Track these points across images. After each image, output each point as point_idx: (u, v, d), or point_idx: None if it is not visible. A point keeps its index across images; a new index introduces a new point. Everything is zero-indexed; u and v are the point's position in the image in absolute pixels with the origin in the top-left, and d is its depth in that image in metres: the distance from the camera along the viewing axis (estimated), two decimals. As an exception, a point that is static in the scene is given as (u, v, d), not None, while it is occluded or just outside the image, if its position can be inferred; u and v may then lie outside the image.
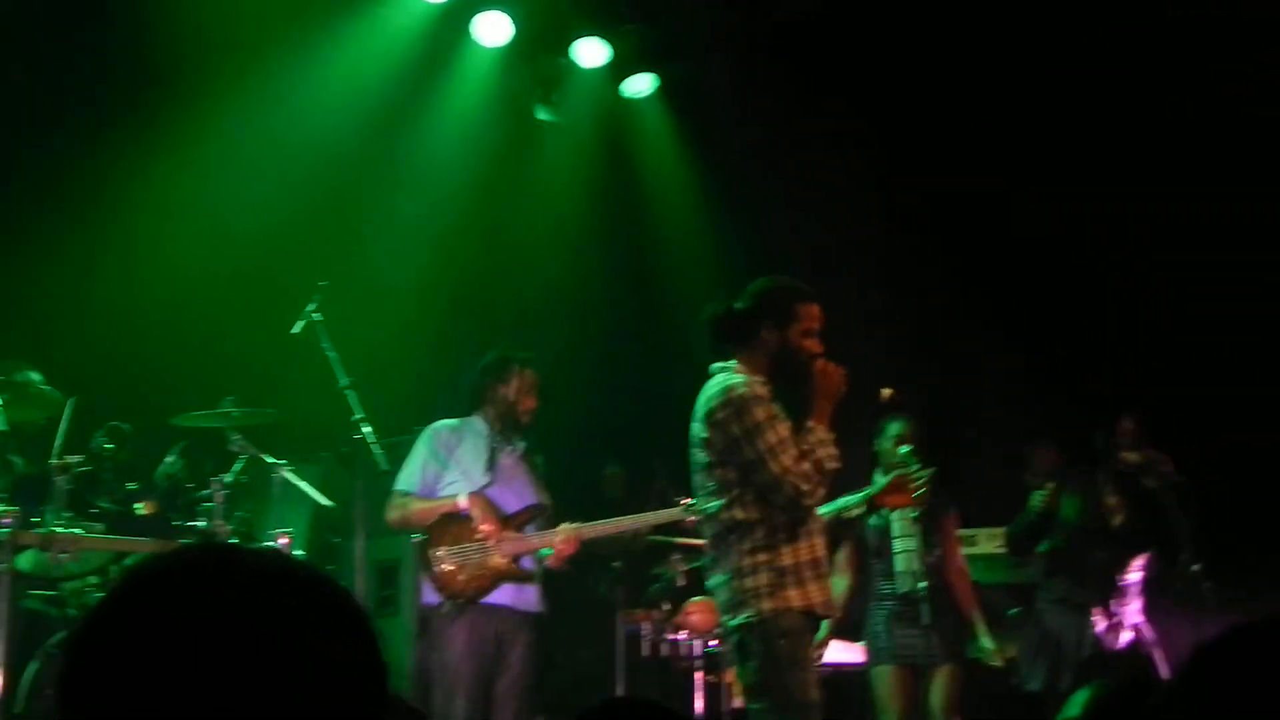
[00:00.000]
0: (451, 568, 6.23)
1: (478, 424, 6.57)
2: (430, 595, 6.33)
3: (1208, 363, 8.16)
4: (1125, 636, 6.77)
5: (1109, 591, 6.84)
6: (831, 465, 4.99)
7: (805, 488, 4.91)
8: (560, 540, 6.35)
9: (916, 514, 6.74)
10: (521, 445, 6.64)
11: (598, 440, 9.19)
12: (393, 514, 6.43)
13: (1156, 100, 8.20)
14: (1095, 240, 8.72)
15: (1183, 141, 8.08)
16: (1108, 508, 6.95)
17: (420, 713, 3.21)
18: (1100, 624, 6.77)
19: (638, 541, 7.14)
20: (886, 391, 5.34)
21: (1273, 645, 1.44)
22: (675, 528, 6.94)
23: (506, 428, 6.60)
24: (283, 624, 1.31)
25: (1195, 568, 6.57)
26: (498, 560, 6.30)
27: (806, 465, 4.93)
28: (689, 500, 6.32)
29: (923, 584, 6.62)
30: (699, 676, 7.59)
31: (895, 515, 6.67)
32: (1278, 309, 7.89)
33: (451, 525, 6.31)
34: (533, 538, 6.41)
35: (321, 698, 1.29)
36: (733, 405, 5.01)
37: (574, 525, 6.42)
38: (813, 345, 5.13)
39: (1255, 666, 1.43)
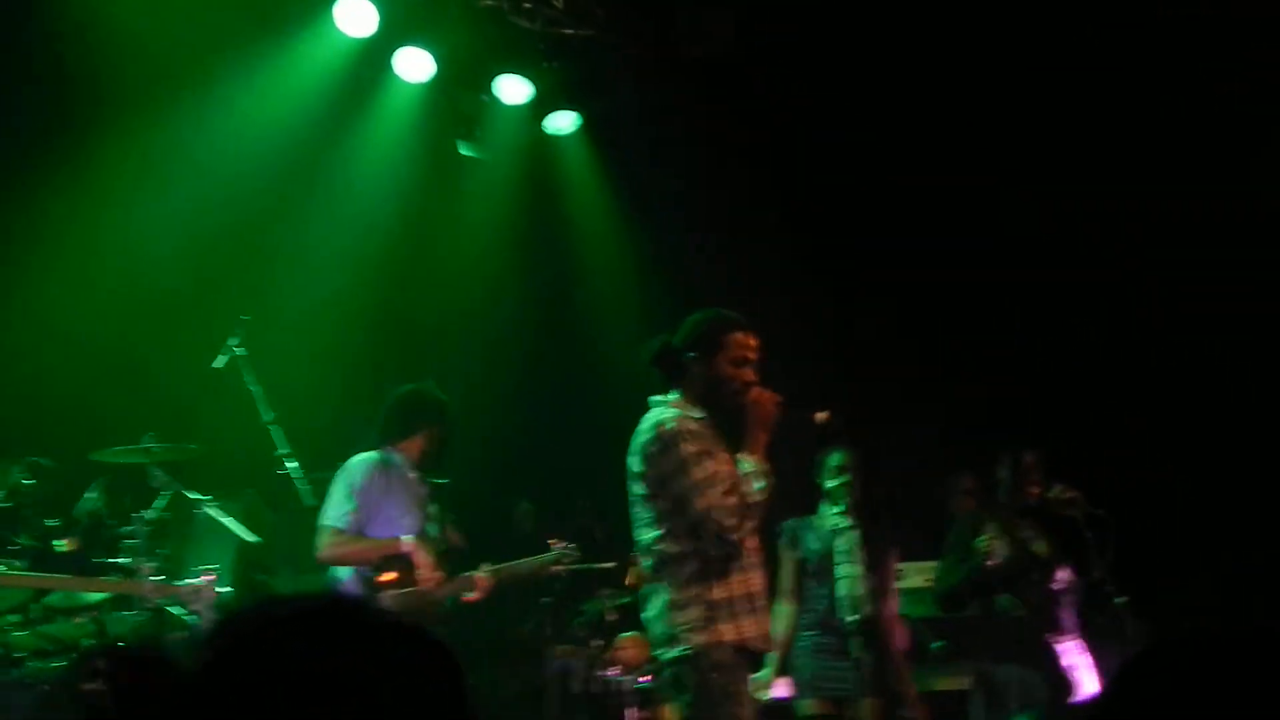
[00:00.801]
0: (398, 611, 6.24)
1: (398, 459, 6.56)
2: None
3: (1104, 398, 8.39)
4: (1085, 656, 6.86)
5: (1057, 620, 6.91)
6: (756, 499, 5.01)
7: (729, 523, 4.93)
8: (480, 581, 6.50)
9: (861, 539, 6.81)
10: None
11: (514, 474, 9.24)
12: (328, 552, 6.37)
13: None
14: (993, 284, 8.94)
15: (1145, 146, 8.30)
16: (1024, 540, 7.06)
17: None
18: (1065, 650, 6.84)
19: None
20: (822, 415, 5.33)
21: (1192, 661, 1.46)
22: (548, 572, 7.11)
23: (427, 466, 6.65)
24: (393, 677, 1.38)
25: (1120, 600, 6.64)
26: (434, 602, 6.36)
27: (732, 500, 4.96)
28: (561, 544, 6.78)
29: (853, 616, 6.63)
30: (631, 713, 7.60)
31: (840, 540, 6.73)
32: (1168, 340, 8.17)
33: (394, 566, 6.32)
34: (460, 579, 6.49)
35: None
36: (661, 441, 5.04)
37: (492, 567, 6.57)
38: (743, 374, 5.15)
39: (1177, 680, 1.45)
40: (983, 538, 6.90)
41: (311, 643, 1.39)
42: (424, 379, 6.99)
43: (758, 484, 5.03)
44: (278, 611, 1.45)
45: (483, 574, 6.52)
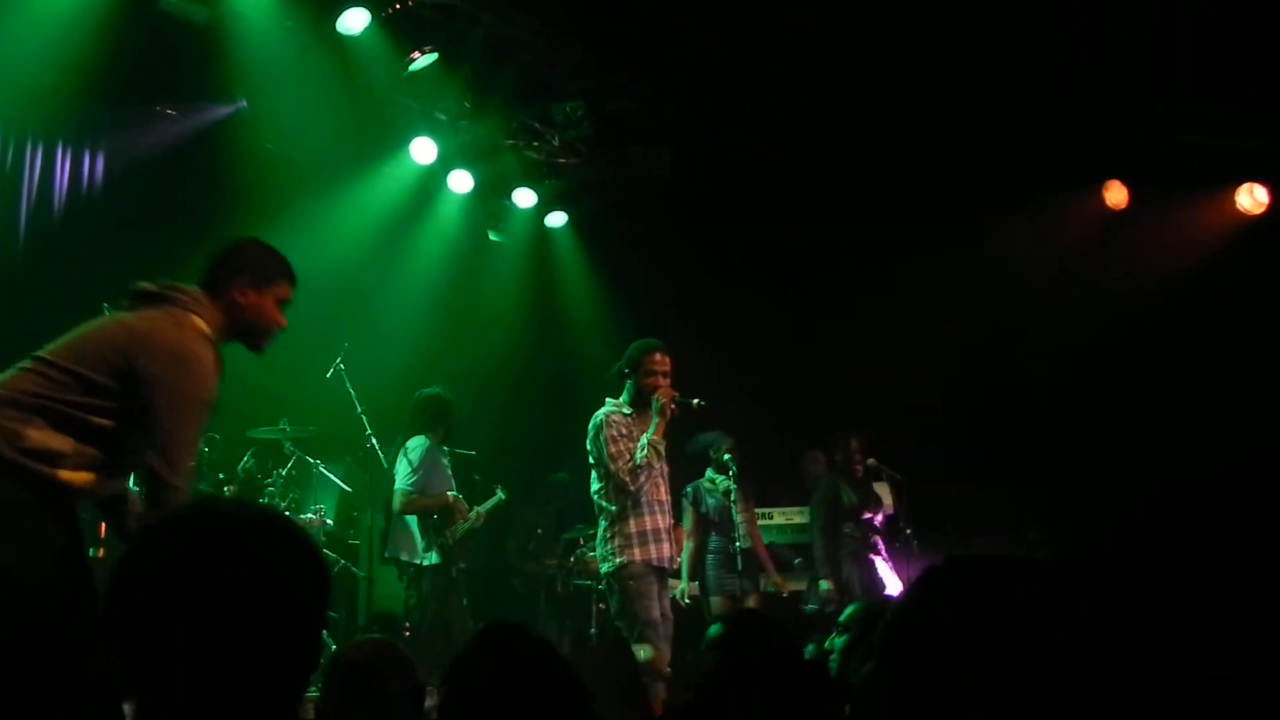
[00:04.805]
0: (454, 541, 6.42)
1: (433, 440, 6.60)
2: (422, 556, 6.37)
3: (902, 405, 8.38)
4: (888, 566, 6.99)
5: (874, 543, 7.07)
6: (642, 460, 5.12)
7: (626, 479, 5.11)
8: (481, 517, 6.68)
9: (742, 496, 6.88)
10: None
11: (530, 451, 9.10)
12: (402, 507, 6.39)
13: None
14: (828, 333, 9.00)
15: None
16: (871, 493, 7.27)
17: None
18: (881, 564, 7.00)
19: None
20: (696, 401, 5.53)
21: (967, 571, 1.41)
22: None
23: (446, 443, 6.79)
24: (266, 553, 1.27)
25: (908, 531, 6.92)
26: (471, 531, 6.58)
27: (630, 464, 5.12)
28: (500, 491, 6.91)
29: (744, 545, 6.73)
30: (597, 606, 7.73)
31: (734, 499, 6.70)
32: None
33: (449, 513, 6.46)
34: (473, 516, 6.64)
35: (284, 601, 1.25)
36: (596, 428, 5.25)
37: (480, 508, 6.71)
38: (655, 382, 5.28)
39: (956, 583, 1.39)
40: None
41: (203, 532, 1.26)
42: (441, 384, 6.95)
43: (640, 453, 5.16)
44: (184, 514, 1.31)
45: (481, 511, 6.68)
